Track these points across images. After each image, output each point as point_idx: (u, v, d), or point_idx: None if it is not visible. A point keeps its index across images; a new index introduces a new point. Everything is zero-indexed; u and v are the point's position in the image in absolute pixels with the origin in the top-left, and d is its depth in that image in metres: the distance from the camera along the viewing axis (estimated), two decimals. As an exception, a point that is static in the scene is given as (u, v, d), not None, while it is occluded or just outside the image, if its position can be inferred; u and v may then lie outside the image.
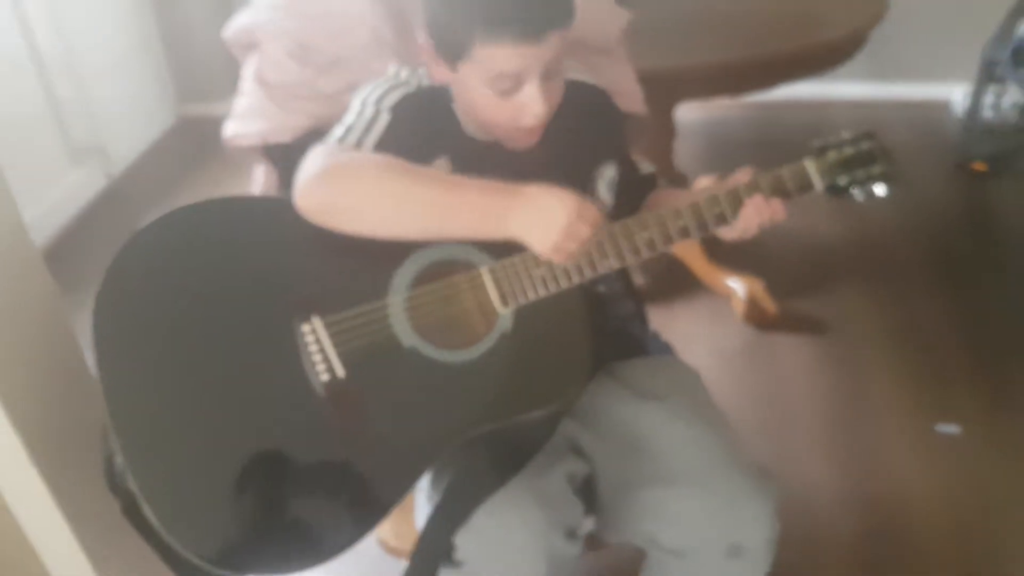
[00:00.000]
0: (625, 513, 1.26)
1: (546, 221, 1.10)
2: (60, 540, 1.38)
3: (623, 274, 1.40)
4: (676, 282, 2.55)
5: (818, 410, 2.18)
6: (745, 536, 1.21)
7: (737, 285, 2.45)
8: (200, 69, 3.59)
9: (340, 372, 1.12)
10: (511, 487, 1.15)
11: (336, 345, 1.12)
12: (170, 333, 1.11)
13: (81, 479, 1.26)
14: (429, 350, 1.15)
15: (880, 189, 1.23)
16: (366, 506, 1.13)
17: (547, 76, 1.16)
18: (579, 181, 1.29)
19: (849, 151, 1.21)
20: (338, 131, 1.21)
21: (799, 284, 2.57)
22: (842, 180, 1.22)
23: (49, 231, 2.94)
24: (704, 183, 1.27)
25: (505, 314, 1.17)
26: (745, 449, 1.26)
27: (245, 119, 1.48)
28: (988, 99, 3.20)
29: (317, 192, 1.12)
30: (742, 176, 1.21)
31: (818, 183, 1.21)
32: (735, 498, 1.20)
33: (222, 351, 1.11)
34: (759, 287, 2.44)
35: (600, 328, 1.25)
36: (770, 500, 1.21)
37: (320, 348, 1.12)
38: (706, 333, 2.44)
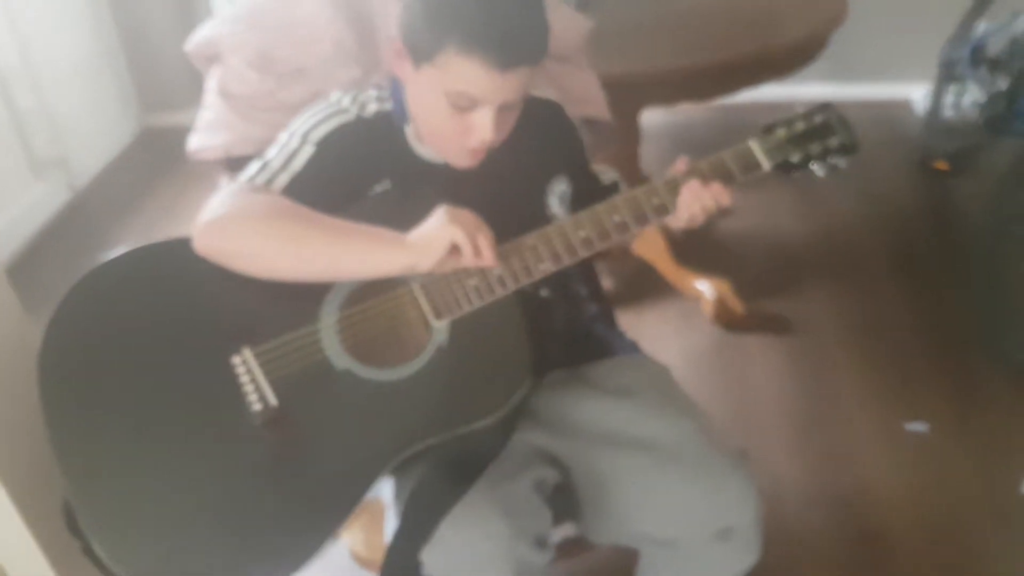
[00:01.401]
0: (610, 512, 1.26)
1: (430, 234, 1.10)
2: (26, 556, 1.36)
3: (587, 276, 1.40)
4: (645, 285, 2.55)
5: (787, 409, 2.19)
6: (733, 517, 1.21)
7: (705, 287, 2.47)
8: (163, 79, 3.56)
9: (272, 401, 1.12)
10: (475, 499, 1.14)
11: (267, 374, 1.13)
12: (115, 376, 1.12)
13: (45, 496, 1.24)
14: (363, 370, 1.15)
15: (842, 161, 1.20)
16: (311, 529, 1.12)
17: (503, 107, 1.16)
18: (528, 197, 1.30)
19: (801, 126, 1.19)
20: (252, 168, 1.21)
21: (766, 285, 2.58)
22: (795, 157, 1.19)
23: (11, 246, 2.90)
24: None
25: (440, 327, 1.16)
26: (721, 433, 1.26)
27: (208, 132, 1.48)
28: (948, 98, 3.24)
29: (210, 238, 1.13)
30: (680, 165, 1.20)
31: (765, 162, 1.19)
32: (718, 481, 1.21)
33: (165, 390, 1.12)
34: (727, 288, 2.45)
35: (548, 332, 1.25)
36: (752, 479, 1.22)
37: (251, 379, 1.12)
38: (675, 334, 2.45)
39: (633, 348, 1.43)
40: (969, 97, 3.23)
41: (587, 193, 1.36)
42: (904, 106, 3.55)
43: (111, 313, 1.14)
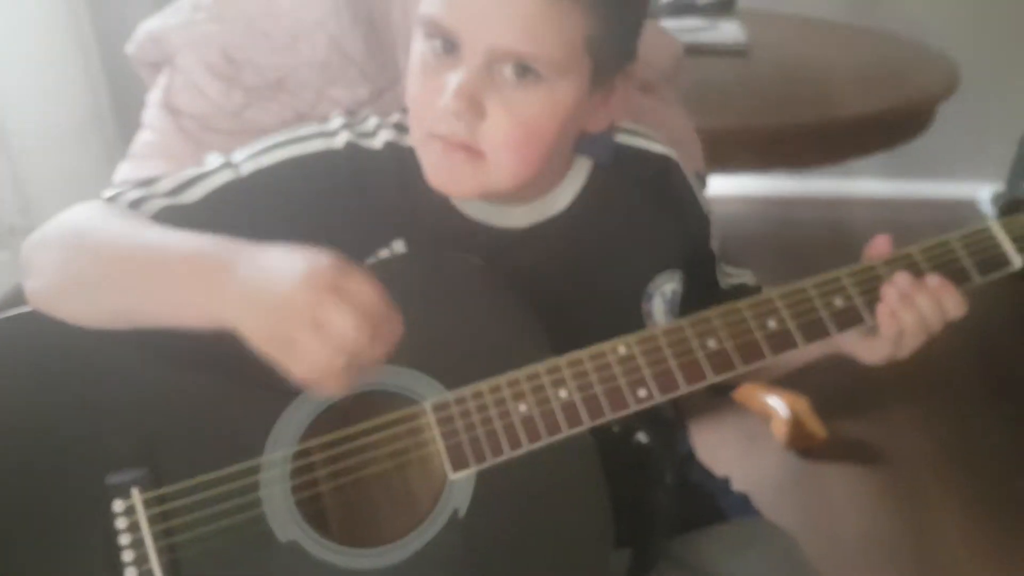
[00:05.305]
0: None
1: (267, 302, 0.64)
2: None
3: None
4: (701, 398, 2.23)
5: (878, 556, 1.95)
6: None
7: (778, 404, 2.19)
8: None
9: None
10: None
11: (158, 537, 0.73)
12: None
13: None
14: (323, 547, 0.75)
15: None
16: None
17: (495, 60, 0.74)
18: (619, 296, 0.90)
19: None
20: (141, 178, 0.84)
21: (843, 404, 2.32)
22: None
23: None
24: None
25: (459, 482, 0.76)
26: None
27: (142, 160, 1.06)
28: (1026, 197, 3.15)
29: (26, 264, 0.78)
30: (880, 245, 0.83)
31: (1015, 257, 0.85)
32: None
33: (21, 526, 0.74)
34: (804, 406, 2.18)
35: (651, 501, 0.86)
36: None
37: (133, 540, 0.73)
38: (738, 460, 2.11)
39: (745, 505, 1.05)
40: (1044, 199, 3.14)
41: (700, 297, 0.93)
42: (969, 207, 3.41)
43: None
